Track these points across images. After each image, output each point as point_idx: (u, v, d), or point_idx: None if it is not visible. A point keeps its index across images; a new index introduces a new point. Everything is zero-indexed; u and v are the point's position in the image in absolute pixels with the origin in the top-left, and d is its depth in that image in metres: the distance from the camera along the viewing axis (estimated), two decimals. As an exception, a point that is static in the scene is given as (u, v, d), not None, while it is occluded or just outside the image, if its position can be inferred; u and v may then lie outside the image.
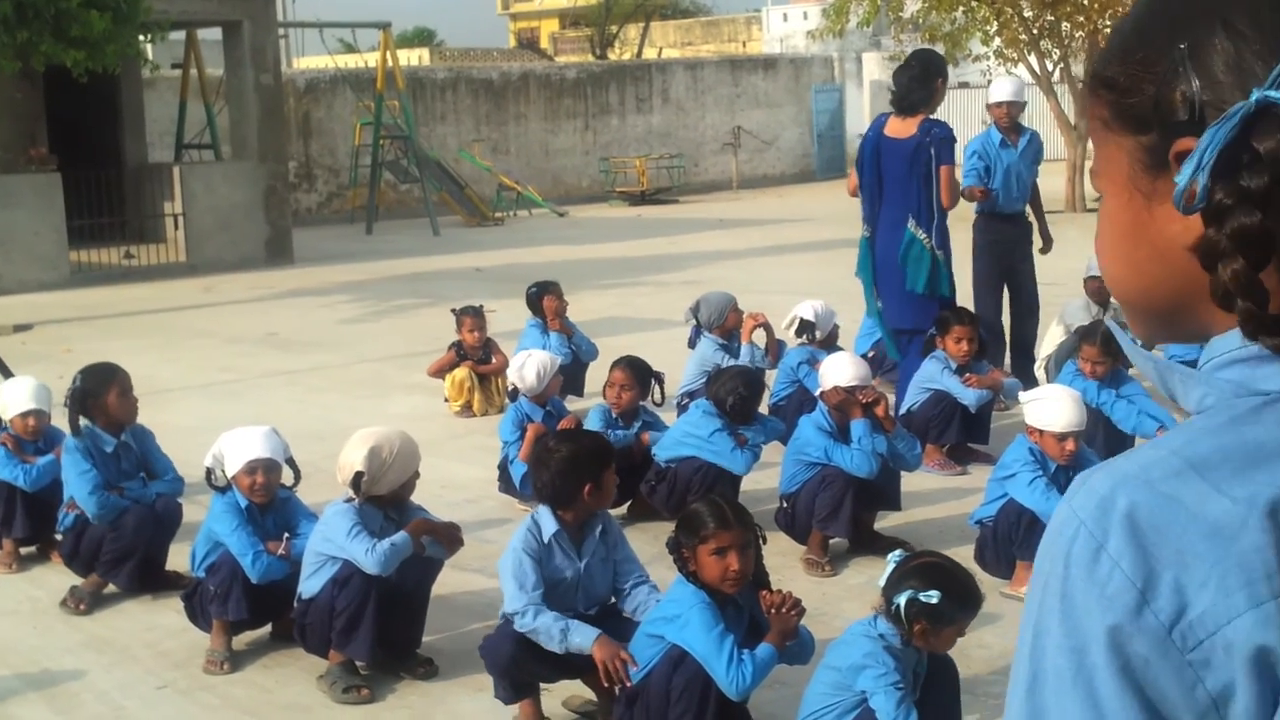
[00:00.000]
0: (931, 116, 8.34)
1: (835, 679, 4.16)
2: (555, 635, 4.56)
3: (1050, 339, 9.28)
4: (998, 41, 25.25)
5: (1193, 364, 1.14)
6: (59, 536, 6.52)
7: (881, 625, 4.17)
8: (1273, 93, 1.02)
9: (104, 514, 6.21)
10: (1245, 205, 1.03)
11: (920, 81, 8.30)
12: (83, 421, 6.43)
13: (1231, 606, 1.00)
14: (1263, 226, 1.03)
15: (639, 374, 7.44)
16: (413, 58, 50.46)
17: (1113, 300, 9.04)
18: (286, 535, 5.61)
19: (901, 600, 4.07)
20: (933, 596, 4.06)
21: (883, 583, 4.23)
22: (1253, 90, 1.03)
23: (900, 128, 8.37)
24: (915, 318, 8.41)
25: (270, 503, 5.66)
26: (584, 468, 4.81)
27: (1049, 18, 24.37)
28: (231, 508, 5.55)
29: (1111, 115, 1.15)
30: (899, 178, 8.34)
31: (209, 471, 5.60)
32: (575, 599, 4.83)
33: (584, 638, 4.54)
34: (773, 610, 4.34)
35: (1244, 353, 1.09)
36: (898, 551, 4.37)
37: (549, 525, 4.80)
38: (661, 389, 7.61)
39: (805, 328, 8.75)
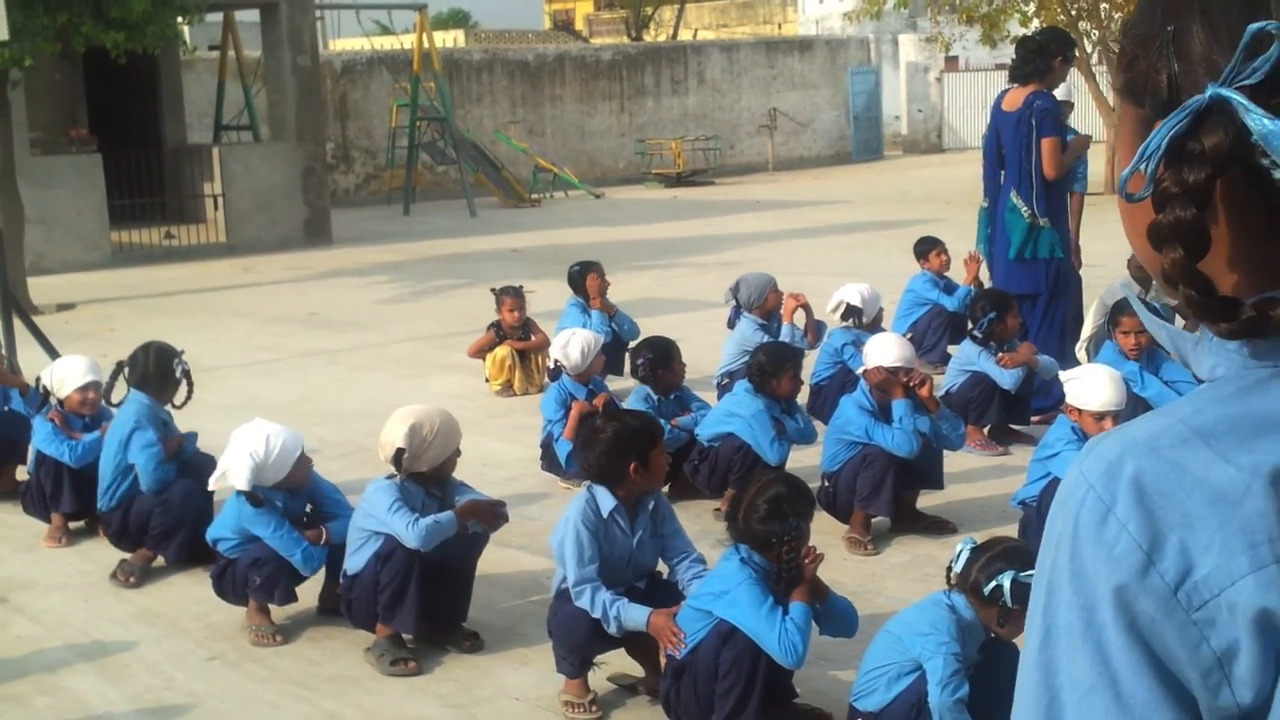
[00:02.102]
0: (1040, 89, 8.51)
1: (895, 642, 4.18)
2: (610, 616, 4.62)
3: (1089, 321, 9.26)
4: (1036, 23, 25.10)
5: None
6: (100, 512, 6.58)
7: (957, 600, 4.18)
8: (1224, 90, 1.06)
9: (157, 487, 6.30)
10: (1182, 198, 1.07)
11: (1036, 54, 8.60)
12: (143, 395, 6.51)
13: (1235, 568, 1.03)
14: (1197, 220, 1.07)
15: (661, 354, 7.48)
16: (448, 39, 50.51)
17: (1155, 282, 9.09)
18: (310, 508, 5.74)
19: (1006, 581, 4.08)
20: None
21: (959, 568, 4.23)
22: (1206, 84, 1.07)
23: (1012, 99, 8.75)
24: (1021, 282, 8.76)
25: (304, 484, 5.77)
26: (629, 447, 4.83)
27: (1087, -1, 24.22)
28: (268, 507, 5.59)
29: (1120, 84, 1.20)
30: (1010, 149, 8.72)
31: (247, 495, 5.58)
32: (626, 572, 4.87)
33: (637, 617, 4.59)
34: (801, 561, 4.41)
35: None
36: (969, 538, 4.38)
37: (607, 501, 4.84)
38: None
39: (851, 312, 8.74)
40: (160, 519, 6.29)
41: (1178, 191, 1.08)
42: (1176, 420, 1.10)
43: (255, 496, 5.54)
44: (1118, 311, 7.81)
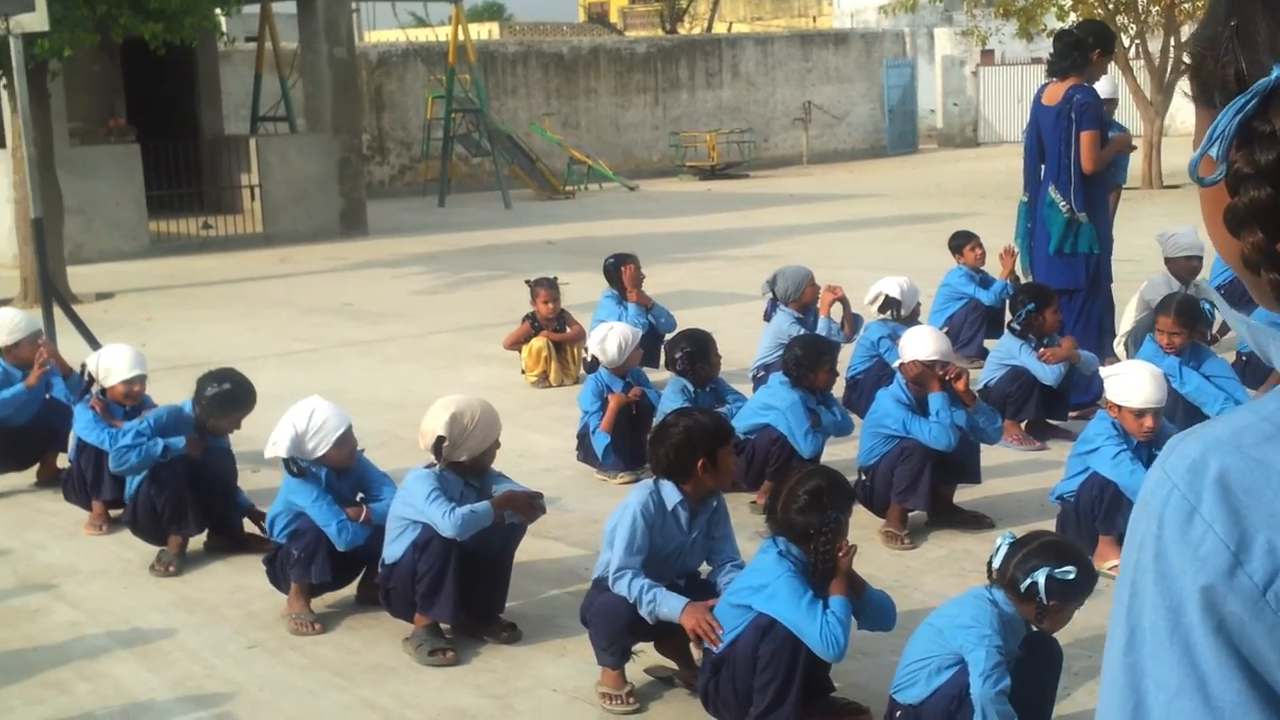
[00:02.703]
0: (1080, 83, 8.48)
1: (936, 635, 4.18)
2: (645, 603, 4.62)
3: (1129, 316, 9.21)
4: (1073, 17, 24.96)
5: None
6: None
7: (998, 595, 4.18)
8: None
9: (120, 468, 6.40)
10: (1256, 178, 1.07)
11: (1073, 48, 8.53)
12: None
13: None
14: (1272, 199, 1.06)
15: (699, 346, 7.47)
16: (483, 32, 50.55)
17: (1198, 278, 9.06)
18: (361, 497, 5.73)
19: (1041, 578, 4.09)
20: (1070, 572, 4.10)
21: (998, 563, 4.24)
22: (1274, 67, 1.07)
23: (1052, 93, 8.70)
24: (1060, 277, 8.71)
25: (348, 468, 5.78)
26: (698, 443, 4.83)
27: (1125, -8, 24.09)
28: (310, 477, 5.65)
29: (1195, 91, 1.20)
30: (1050, 143, 8.69)
31: (287, 462, 5.65)
32: (671, 568, 4.88)
33: (672, 607, 4.60)
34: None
35: None
36: (1008, 533, 4.38)
37: (672, 495, 4.84)
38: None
39: (889, 304, 8.72)
40: (161, 501, 6.35)
41: (1250, 172, 1.07)
42: (1260, 417, 1.09)
43: (293, 465, 5.61)
44: (1158, 310, 7.76)
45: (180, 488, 6.38)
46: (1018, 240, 9.30)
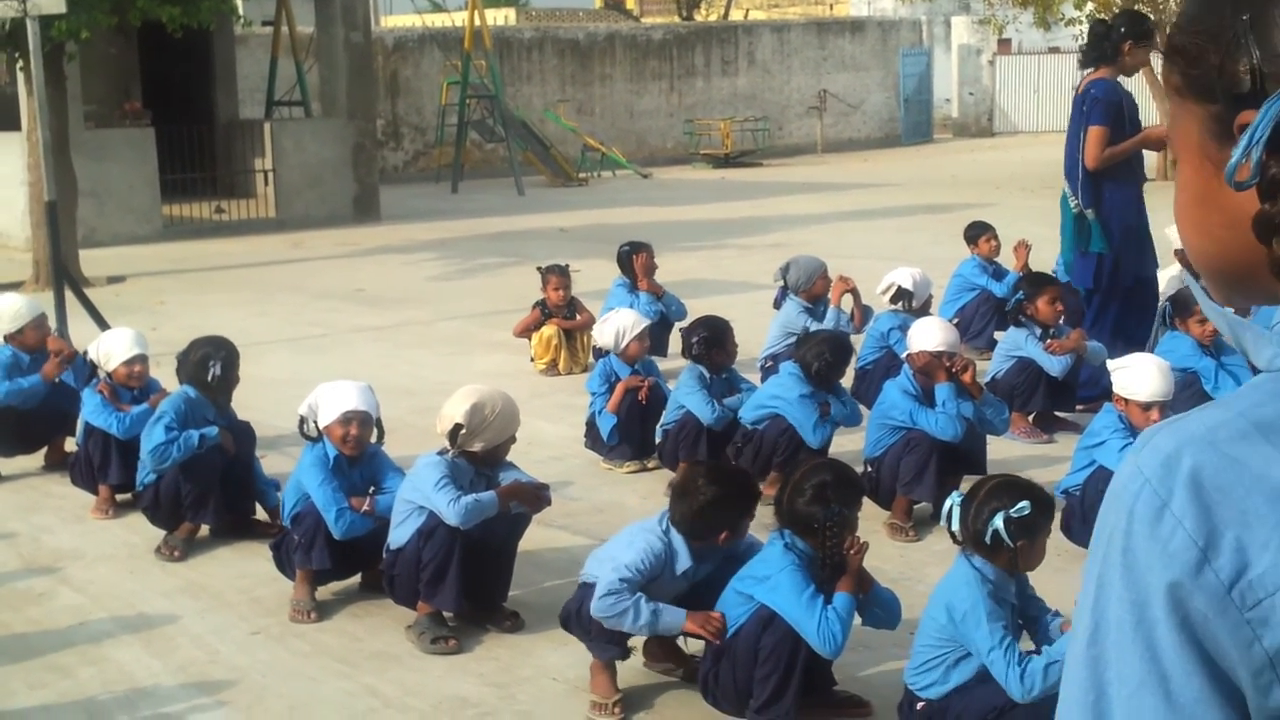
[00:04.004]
0: (1102, 76, 8.30)
1: (942, 630, 4.17)
2: (646, 619, 4.52)
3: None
4: (1090, 6, 24.85)
5: None
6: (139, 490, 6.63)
7: (976, 561, 4.18)
8: None
9: (162, 466, 6.34)
10: None
11: (1103, 38, 8.29)
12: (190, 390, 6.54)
13: None
14: None
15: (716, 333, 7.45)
16: (499, 17, 50.51)
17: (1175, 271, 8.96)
18: (371, 491, 5.70)
19: (999, 522, 4.08)
20: (1025, 508, 4.09)
21: (955, 525, 4.23)
22: None
23: (1081, 85, 8.54)
24: (1078, 275, 8.60)
25: (359, 456, 5.75)
26: (725, 513, 4.67)
27: (1144, -19, 23.96)
28: (320, 460, 5.64)
29: (1182, 83, 1.16)
30: (1068, 136, 8.57)
31: (302, 420, 5.69)
32: (672, 590, 4.76)
33: (674, 618, 4.55)
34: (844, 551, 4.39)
35: None
36: (955, 494, 4.35)
37: (684, 559, 4.68)
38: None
39: (901, 295, 8.68)
40: (188, 488, 6.35)
41: None
42: (1236, 414, 1.08)
43: (304, 425, 5.67)
44: (1189, 302, 7.67)
45: (211, 477, 6.38)
46: (1064, 233, 8.96)
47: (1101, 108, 8.27)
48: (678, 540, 4.69)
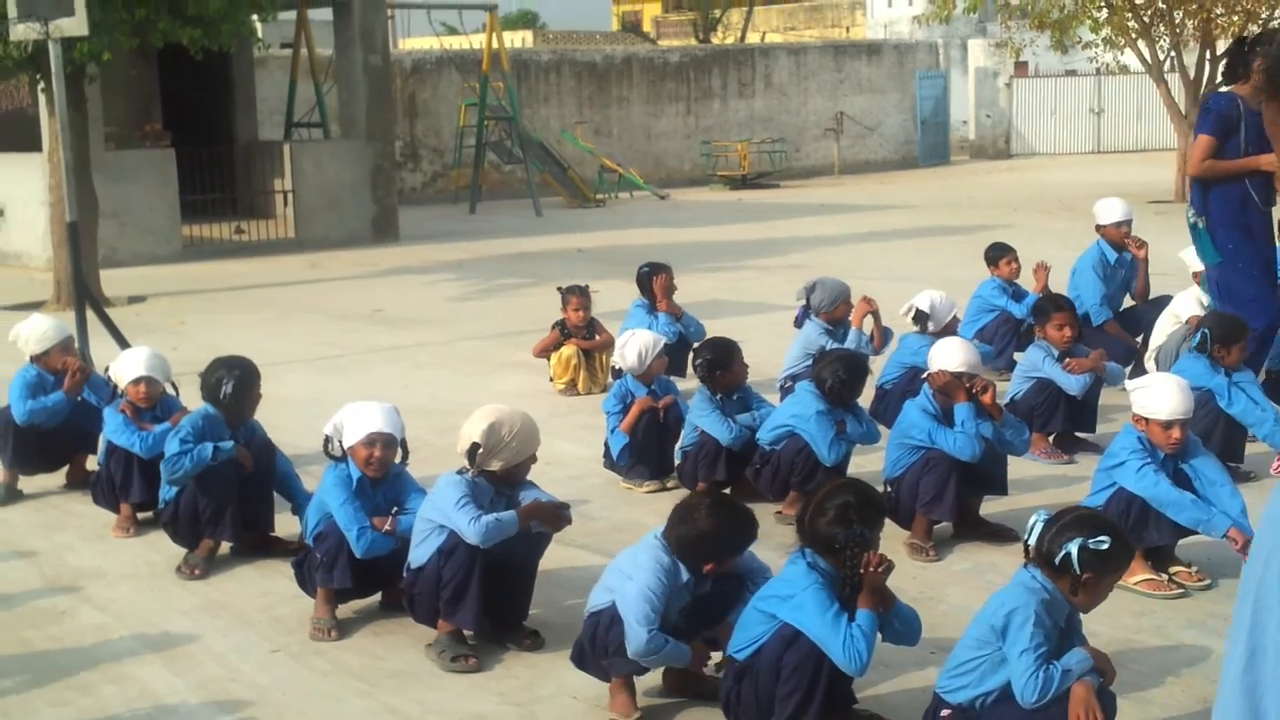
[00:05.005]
0: (1231, 91, 8.10)
1: (984, 633, 4.18)
2: (661, 657, 4.64)
3: (1160, 329, 9.15)
4: (1106, 30, 24.87)
5: None
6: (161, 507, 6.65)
7: (1036, 574, 4.20)
8: None
9: (174, 476, 6.38)
10: None
11: (1238, 56, 8.04)
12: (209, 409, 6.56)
13: None
14: None
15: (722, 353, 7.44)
16: (516, 40, 50.69)
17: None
18: (395, 510, 5.70)
19: (1074, 548, 4.09)
20: (1104, 542, 4.10)
21: (1033, 540, 4.25)
22: None
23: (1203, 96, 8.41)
24: (1210, 289, 8.41)
25: (383, 477, 5.76)
26: (716, 548, 4.71)
27: (1160, 4, 23.98)
28: (343, 480, 5.65)
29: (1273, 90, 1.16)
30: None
31: (326, 440, 5.71)
32: (675, 602, 4.78)
33: (682, 655, 4.66)
34: (862, 570, 4.37)
35: None
36: (1043, 510, 4.37)
37: (685, 571, 4.72)
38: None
39: (920, 318, 8.68)
40: (205, 503, 6.38)
41: None
42: None
43: (329, 444, 5.67)
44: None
45: (227, 491, 6.39)
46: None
47: (1211, 119, 8.06)
48: (680, 562, 4.74)
